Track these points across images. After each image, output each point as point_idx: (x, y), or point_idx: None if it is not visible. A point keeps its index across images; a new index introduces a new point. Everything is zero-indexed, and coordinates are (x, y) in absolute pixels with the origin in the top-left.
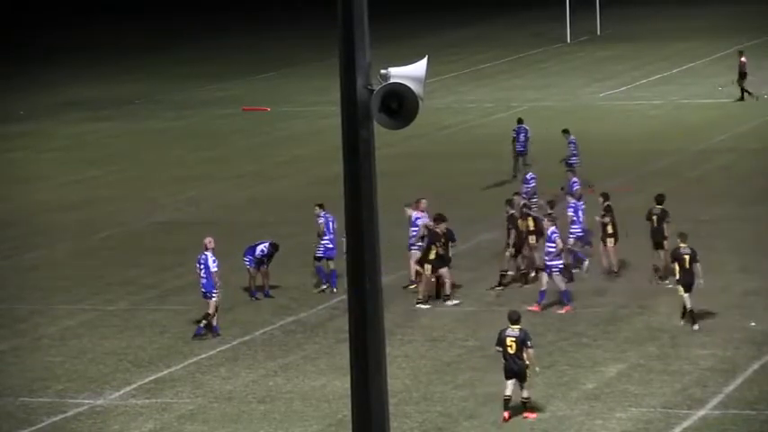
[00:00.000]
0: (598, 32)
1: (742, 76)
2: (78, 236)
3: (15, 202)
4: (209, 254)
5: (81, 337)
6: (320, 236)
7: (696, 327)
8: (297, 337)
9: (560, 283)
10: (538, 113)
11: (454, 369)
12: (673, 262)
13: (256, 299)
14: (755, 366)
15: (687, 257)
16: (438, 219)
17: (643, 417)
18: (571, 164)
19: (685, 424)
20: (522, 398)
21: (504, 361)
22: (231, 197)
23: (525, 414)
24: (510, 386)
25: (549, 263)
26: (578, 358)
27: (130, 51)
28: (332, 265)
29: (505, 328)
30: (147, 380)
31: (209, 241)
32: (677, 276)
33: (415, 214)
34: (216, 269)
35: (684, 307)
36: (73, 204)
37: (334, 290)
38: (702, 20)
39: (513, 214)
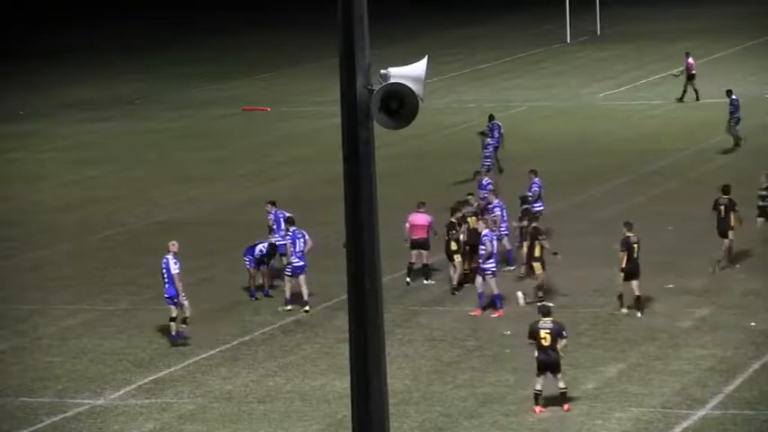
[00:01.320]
0: (598, 32)
1: (690, 77)
2: (78, 236)
3: (15, 202)
4: (170, 257)
5: (81, 337)
6: (271, 231)
7: (640, 315)
8: (297, 337)
9: (494, 286)
10: (538, 113)
11: (454, 369)
12: (622, 251)
13: (256, 299)
14: (755, 366)
15: (636, 246)
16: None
17: (643, 417)
18: (487, 164)
19: (685, 424)
20: (560, 389)
21: (537, 353)
22: (231, 197)
23: (565, 406)
24: (540, 381)
25: (482, 265)
26: (578, 358)
27: (130, 51)
28: (302, 280)
29: (537, 321)
30: (147, 380)
31: (172, 245)
32: (623, 265)
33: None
34: (177, 271)
35: (621, 294)
36: (73, 204)
37: (307, 309)
38: (702, 20)
39: (464, 215)
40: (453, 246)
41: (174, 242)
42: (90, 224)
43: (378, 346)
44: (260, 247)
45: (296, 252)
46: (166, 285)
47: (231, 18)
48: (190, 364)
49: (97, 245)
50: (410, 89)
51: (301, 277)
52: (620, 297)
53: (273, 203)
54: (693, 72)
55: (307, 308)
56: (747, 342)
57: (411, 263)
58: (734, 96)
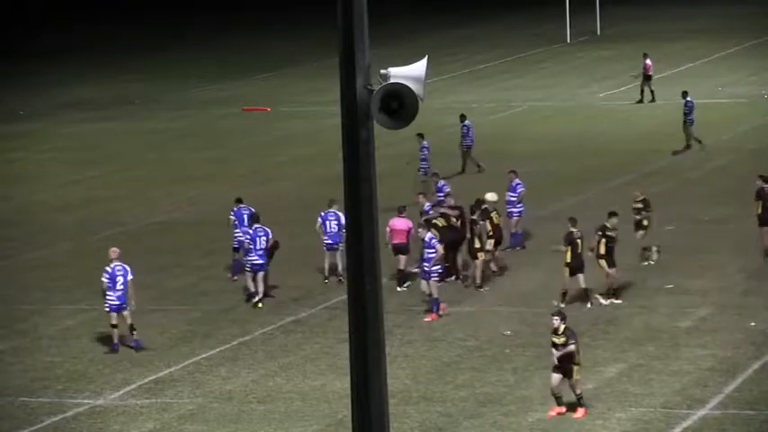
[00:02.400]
0: (598, 32)
1: (647, 78)
2: (78, 236)
3: (15, 202)
4: (121, 264)
5: (81, 337)
6: (232, 228)
7: (590, 305)
8: (297, 337)
9: (435, 289)
10: (538, 113)
11: (454, 369)
12: (566, 246)
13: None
14: (755, 366)
15: (579, 242)
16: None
17: (643, 417)
18: (423, 168)
19: (685, 424)
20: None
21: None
22: (231, 197)
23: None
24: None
25: (427, 269)
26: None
27: (130, 51)
28: (259, 278)
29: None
30: (147, 380)
31: (113, 251)
32: (568, 260)
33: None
34: (132, 277)
35: (566, 291)
36: (73, 204)
37: (260, 305)
38: (702, 20)
39: (485, 210)
40: (477, 243)
41: (115, 249)
42: (90, 224)
43: (378, 346)
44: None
45: (256, 250)
46: (111, 293)
47: (231, 18)
48: (190, 364)
49: (97, 245)
50: (410, 89)
51: (260, 274)
52: (564, 294)
53: (240, 200)
54: (650, 73)
55: (260, 305)
56: (747, 342)
57: (400, 269)
58: (689, 98)
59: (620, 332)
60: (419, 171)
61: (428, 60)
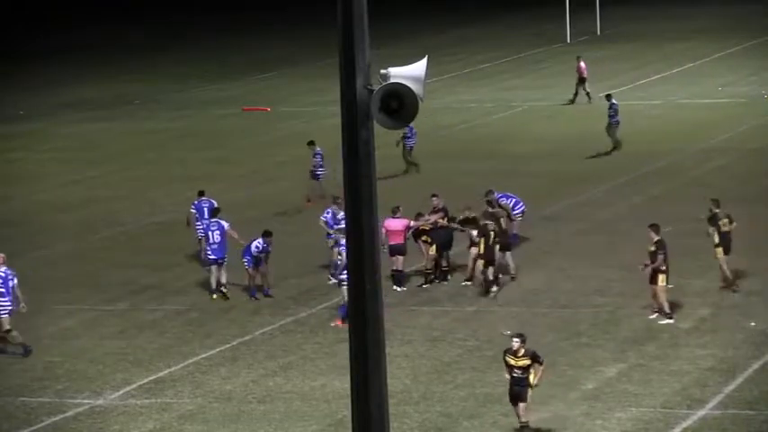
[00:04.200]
0: (598, 32)
1: (581, 80)
2: (78, 236)
3: (15, 202)
4: (7, 269)
5: (81, 337)
6: (188, 223)
7: (494, 292)
8: (297, 337)
9: (346, 294)
10: (538, 113)
11: (454, 369)
12: (479, 237)
13: (256, 299)
14: (755, 366)
15: (492, 233)
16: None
17: (643, 417)
18: (317, 175)
19: (685, 424)
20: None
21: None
22: (231, 197)
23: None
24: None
25: (339, 276)
26: (578, 358)
27: (130, 51)
28: (223, 270)
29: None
30: (147, 380)
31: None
32: (481, 251)
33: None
34: (16, 281)
35: (486, 280)
36: (73, 204)
37: (214, 296)
38: (702, 20)
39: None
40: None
41: (1, 254)
42: (90, 224)
43: (378, 346)
44: (255, 243)
45: (210, 244)
46: (4, 298)
47: (231, 18)
48: (190, 364)
49: (97, 245)
50: (410, 89)
51: (213, 267)
52: (471, 278)
53: (202, 193)
54: (585, 76)
55: (214, 296)
56: (747, 342)
57: (395, 270)
58: (613, 101)
59: (620, 332)
60: (315, 178)
61: (428, 60)
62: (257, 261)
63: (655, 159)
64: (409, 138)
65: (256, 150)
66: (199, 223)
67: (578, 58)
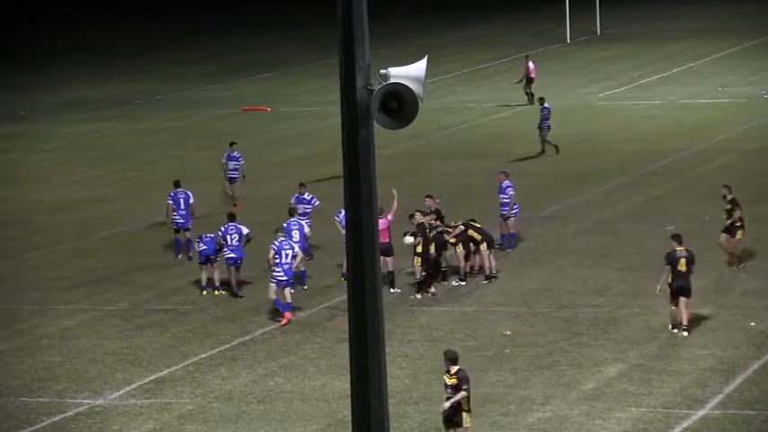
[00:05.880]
0: (598, 32)
1: (529, 81)
2: (78, 236)
3: (15, 202)
4: None
5: (81, 337)
6: (168, 214)
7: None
8: (297, 337)
9: (288, 295)
10: (538, 113)
11: None
12: (419, 237)
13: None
14: (755, 366)
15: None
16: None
17: (643, 417)
18: (233, 178)
19: (685, 424)
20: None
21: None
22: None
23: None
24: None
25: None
26: (578, 358)
27: (130, 51)
28: (188, 234)
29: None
30: (146, 380)
31: None
32: (419, 250)
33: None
34: None
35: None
36: (73, 204)
37: (189, 256)
38: (702, 20)
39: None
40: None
41: None
42: (90, 224)
43: (378, 346)
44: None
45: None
46: None
47: (231, 18)
48: (190, 364)
49: (97, 245)
50: (410, 89)
51: (182, 232)
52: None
53: (177, 184)
54: (533, 76)
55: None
56: (747, 342)
57: (389, 270)
58: (546, 104)
59: (620, 332)
60: (230, 181)
61: (428, 60)
62: (209, 258)
63: (655, 159)
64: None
65: (256, 150)
66: (175, 214)
67: (527, 58)
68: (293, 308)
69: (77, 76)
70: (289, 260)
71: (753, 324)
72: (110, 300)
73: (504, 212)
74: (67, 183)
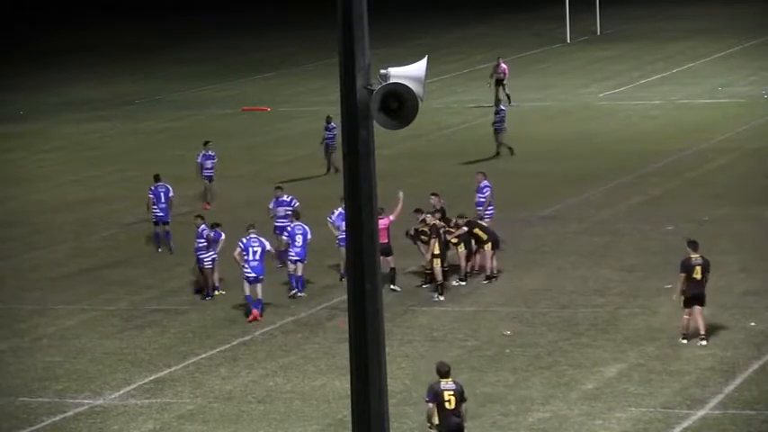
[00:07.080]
0: (598, 32)
1: (498, 82)
2: (78, 236)
3: (15, 202)
4: None
5: (81, 337)
6: (149, 207)
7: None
8: (297, 337)
9: (259, 291)
10: (538, 113)
11: (454, 369)
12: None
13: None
14: (755, 366)
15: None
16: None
17: (643, 417)
18: (209, 177)
19: (685, 424)
20: None
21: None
22: (231, 197)
23: None
24: None
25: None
26: (578, 358)
27: (130, 51)
28: (167, 228)
29: (438, 382)
30: (146, 380)
31: None
32: (436, 253)
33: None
34: None
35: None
36: (73, 204)
37: (171, 249)
38: (702, 20)
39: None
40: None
41: None
42: (90, 224)
43: (378, 346)
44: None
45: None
46: None
47: (231, 18)
48: (190, 364)
49: (97, 245)
50: (410, 89)
51: (162, 226)
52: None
53: (157, 178)
54: (503, 77)
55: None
56: (747, 342)
57: (390, 267)
58: (502, 107)
59: (620, 332)
60: (207, 180)
61: (428, 60)
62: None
63: (655, 159)
64: (330, 138)
65: (256, 150)
66: (155, 207)
67: (498, 59)
68: (263, 305)
69: (77, 76)
70: (257, 257)
71: (753, 324)
72: (110, 300)
73: (479, 212)
74: (67, 183)
